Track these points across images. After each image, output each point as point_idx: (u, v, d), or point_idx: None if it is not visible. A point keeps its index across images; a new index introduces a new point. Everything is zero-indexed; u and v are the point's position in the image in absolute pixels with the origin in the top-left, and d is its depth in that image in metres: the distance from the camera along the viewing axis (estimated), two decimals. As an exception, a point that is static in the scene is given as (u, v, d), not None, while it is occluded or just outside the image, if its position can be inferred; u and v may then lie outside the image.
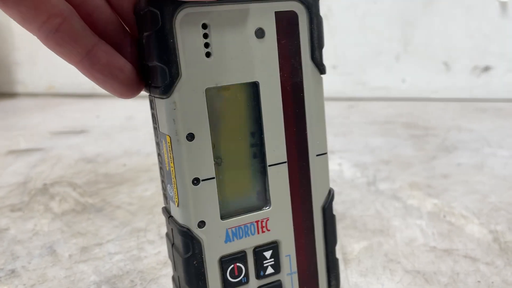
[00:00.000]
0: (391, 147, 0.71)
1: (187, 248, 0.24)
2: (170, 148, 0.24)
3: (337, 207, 0.49)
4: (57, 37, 0.24)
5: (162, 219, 0.47)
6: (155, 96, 0.24)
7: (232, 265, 0.26)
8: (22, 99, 1.45)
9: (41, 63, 1.39)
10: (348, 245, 0.41)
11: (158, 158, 0.27)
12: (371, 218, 0.46)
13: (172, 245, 0.26)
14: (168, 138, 0.24)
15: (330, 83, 1.11)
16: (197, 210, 0.24)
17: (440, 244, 0.40)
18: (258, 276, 0.27)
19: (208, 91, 0.24)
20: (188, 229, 0.24)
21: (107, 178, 0.62)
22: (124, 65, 0.25)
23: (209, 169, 0.24)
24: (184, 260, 0.25)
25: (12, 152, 0.78)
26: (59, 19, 0.23)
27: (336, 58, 1.10)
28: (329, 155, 0.68)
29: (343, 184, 0.56)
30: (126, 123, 0.98)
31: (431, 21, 1.02)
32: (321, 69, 0.27)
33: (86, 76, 0.25)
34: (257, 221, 0.26)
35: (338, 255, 0.37)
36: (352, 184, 0.56)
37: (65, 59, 0.25)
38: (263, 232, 0.26)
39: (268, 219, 0.27)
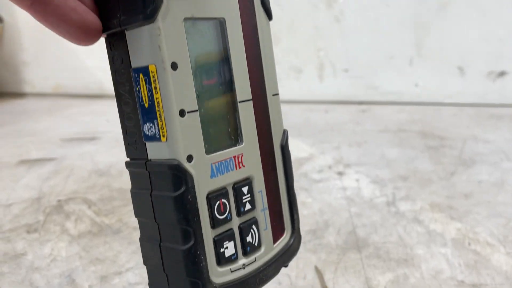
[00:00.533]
0: (408, 160, 0.69)
1: (179, 183, 0.24)
2: (156, 77, 0.23)
3: (359, 231, 0.48)
4: None
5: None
6: (132, 26, 0.23)
7: (218, 202, 0.26)
8: (30, 99, 1.44)
9: (48, 63, 1.38)
10: (373, 277, 0.40)
11: (121, 103, 0.26)
12: (394, 245, 0.45)
13: (150, 193, 0.25)
14: (152, 68, 0.23)
15: (342, 86, 1.10)
16: (185, 143, 0.24)
17: (467, 277, 0.39)
18: (238, 213, 0.27)
19: (185, 21, 0.24)
20: (179, 163, 0.23)
21: (121, 194, 0.61)
22: (79, 6, 0.24)
23: (192, 101, 0.24)
24: (177, 197, 0.24)
25: (24, 162, 0.78)
26: None
27: (348, 61, 1.09)
28: (345, 169, 0.67)
29: (362, 204, 0.55)
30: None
31: (445, 24, 1.00)
32: (269, 14, 0.29)
33: (39, 21, 0.24)
34: (234, 157, 0.27)
35: (364, 286, 0.36)
36: (371, 204, 0.55)
37: (15, 3, 0.23)
38: (239, 167, 0.27)
39: (242, 155, 0.27)
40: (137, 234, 0.49)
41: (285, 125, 0.66)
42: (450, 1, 0.99)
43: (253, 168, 0.27)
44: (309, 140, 0.82)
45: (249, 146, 0.27)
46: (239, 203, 0.26)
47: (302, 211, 0.53)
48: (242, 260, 0.27)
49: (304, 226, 0.50)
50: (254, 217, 0.27)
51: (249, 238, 0.27)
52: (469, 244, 0.45)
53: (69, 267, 0.43)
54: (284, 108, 0.94)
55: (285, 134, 0.30)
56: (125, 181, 0.66)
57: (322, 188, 0.60)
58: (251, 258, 0.27)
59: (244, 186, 0.27)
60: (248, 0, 0.27)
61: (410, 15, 1.02)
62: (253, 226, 0.27)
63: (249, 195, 0.27)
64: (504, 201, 0.54)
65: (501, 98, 1.00)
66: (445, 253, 0.43)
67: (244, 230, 0.27)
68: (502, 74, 0.99)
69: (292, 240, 0.30)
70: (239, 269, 0.26)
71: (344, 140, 0.82)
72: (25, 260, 0.45)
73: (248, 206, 0.27)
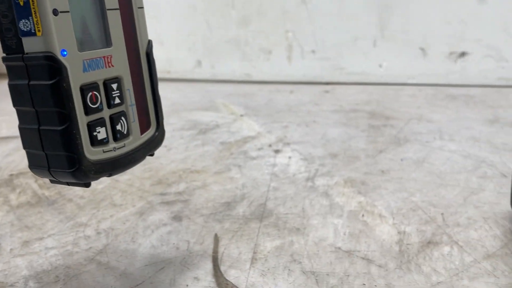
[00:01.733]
0: (345, 139, 0.73)
1: (53, 72, 0.28)
2: None
3: (269, 204, 0.52)
4: None
5: (104, 214, 0.51)
6: None
7: (91, 93, 0.31)
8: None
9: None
10: (262, 244, 0.44)
11: None
12: (294, 216, 0.49)
13: (28, 83, 0.29)
14: None
15: (309, 67, 1.13)
16: (59, 38, 0.28)
17: (345, 245, 0.43)
18: (109, 105, 0.32)
19: None
20: (53, 55, 0.28)
21: (69, 169, 0.66)
22: None
23: (64, 3, 0.28)
24: (53, 85, 0.28)
25: (-8, 139, 0.83)
26: None
27: (315, 43, 1.11)
28: (283, 147, 0.71)
29: (284, 179, 0.59)
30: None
31: (408, 6, 1.01)
32: None
33: None
34: (104, 57, 0.32)
35: (250, 251, 0.40)
36: (292, 179, 0.59)
37: None
38: (109, 67, 0.32)
39: (111, 56, 0.32)
40: (70, 205, 0.54)
41: (249, 106, 0.70)
42: (412, -18, 1.00)
43: (122, 69, 0.33)
44: (262, 121, 0.86)
45: (117, 49, 0.33)
46: (109, 97, 0.32)
47: (226, 185, 0.58)
48: (113, 144, 0.33)
49: (221, 199, 0.54)
50: (123, 111, 0.34)
51: (118, 127, 0.33)
52: (363, 215, 0.49)
53: (-1, 233, 0.48)
54: (252, 88, 1.01)
55: (150, 43, 0.36)
56: (77, 158, 0.71)
57: (254, 165, 0.64)
58: (121, 143, 0.34)
59: (113, 83, 0.33)
60: None
61: (373, -4, 1.03)
62: (122, 118, 0.34)
63: (118, 91, 0.33)
64: (416, 177, 0.57)
65: (462, 78, 1.02)
66: (336, 224, 0.47)
67: (114, 119, 0.33)
68: (463, 55, 1.01)
69: (156, 134, 0.37)
70: (110, 151, 0.33)
71: (295, 120, 0.85)
72: (-37, 226, 0.50)
73: (117, 101, 0.33)
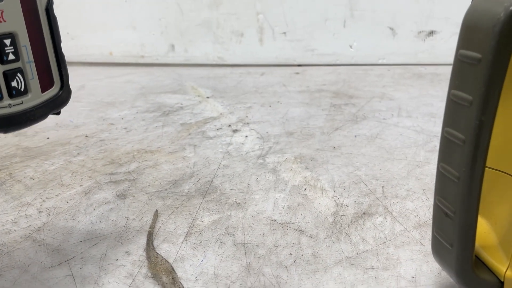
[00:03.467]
0: (305, 118, 0.73)
1: None
2: None
3: (216, 181, 0.52)
4: None
5: (50, 194, 0.51)
6: None
7: None
8: None
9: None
10: (199, 219, 0.44)
11: None
12: (238, 191, 0.49)
13: None
14: None
15: (281, 49, 1.12)
16: None
17: (281, 217, 0.43)
18: (2, 62, 0.32)
19: None
20: None
21: (25, 152, 0.66)
22: None
23: None
24: None
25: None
26: None
27: (286, 24, 1.10)
28: (242, 127, 0.71)
29: (236, 157, 0.59)
30: (74, 93, 1.01)
31: (376, -15, 1.01)
32: None
33: None
34: None
35: (187, 226, 0.41)
36: (243, 157, 0.59)
37: None
38: (0, 22, 0.32)
39: (3, 11, 0.32)
40: (18, 186, 0.54)
41: (217, 89, 0.69)
42: (379, -40, 0.99)
43: (16, 25, 0.32)
44: (227, 102, 0.85)
45: (10, 5, 0.32)
46: (1, 53, 0.31)
47: (177, 164, 0.58)
48: (8, 101, 0.32)
49: (169, 177, 0.54)
50: (19, 67, 0.33)
51: (14, 84, 0.33)
52: (305, 189, 0.49)
53: None
54: (225, 71, 1.01)
55: (50, 1, 0.35)
56: (34, 141, 0.70)
57: (210, 144, 0.64)
58: (18, 100, 0.33)
59: (6, 39, 0.32)
60: None
61: (342, -24, 1.02)
62: (19, 75, 0.33)
63: (12, 47, 0.32)
64: (365, 152, 0.57)
65: (431, 57, 1.01)
66: (277, 198, 0.47)
67: (9, 76, 0.32)
68: (431, 33, 1.00)
69: (61, 92, 0.37)
70: (5, 107, 0.32)
71: (260, 101, 0.85)
72: None
73: (11, 57, 0.32)
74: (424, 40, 1.01)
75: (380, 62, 1.06)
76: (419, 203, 0.45)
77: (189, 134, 0.69)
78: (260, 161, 0.57)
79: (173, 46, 1.22)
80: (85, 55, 1.25)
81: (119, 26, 1.23)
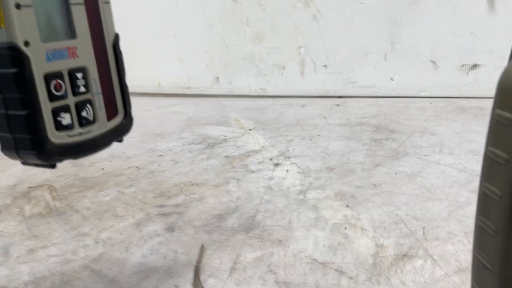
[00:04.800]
0: (345, 153, 0.74)
1: (15, 62, 0.31)
2: None
3: (258, 216, 0.55)
4: None
5: (105, 225, 0.55)
6: None
7: (55, 81, 0.33)
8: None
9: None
10: (243, 255, 0.47)
11: None
12: (279, 228, 0.51)
13: None
14: None
15: (321, 81, 1.14)
16: (22, 30, 0.31)
17: (322, 257, 0.45)
18: (74, 93, 0.35)
19: None
20: (16, 45, 0.31)
21: (82, 182, 0.71)
22: None
23: None
24: (15, 74, 0.31)
25: (19, 154, 0.90)
26: None
27: (327, 57, 1.13)
28: (283, 161, 0.73)
29: (277, 192, 0.61)
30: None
31: (417, 20, 1.02)
32: None
33: None
34: (68, 48, 0.34)
35: (231, 261, 0.43)
36: (285, 192, 0.61)
37: None
38: (74, 57, 0.35)
39: (76, 48, 0.35)
40: (76, 215, 0.59)
41: (259, 121, 0.73)
42: (421, -4, 1.01)
43: (87, 60, 0.36)
44: (269, 134, 0.88)
45: (83, 42, 0.35)
46: (74, 86, 0.35)
47: (222, 198, 0.61)
48: (78, 130, 0.35)
49: (214, 211, 0.57)
50: (89, 99, 0.36)
51: (84, 114, 0.36)
52: (345, 228, 0.50)
53: (9, 241, 0.53)
54: (267, 102, 1.05)
55: (116, 37, 0.38)
56: (90, 172, 0.76)
57: (252, 178, 0.67)
58: (87, 129, 0.36)
59: (78, 72, 0.35)
60: None
61: (383, 11, 1.04)
62: (88, 105, 0.36)
63: (84, 80, 0.35)
64: (405, 191, 0.58)
65: (474, 90, 1.00)
66: (318, 236, 0.49)
67: (80, 107, 0.35)
68: (474, 66, 1.00)
69: (124, 121, 0.40)
70: (76, 135, 0.35)
71: (300, 134, 0.87)
72: (-20, 235, 0.56)
73: (83, 89, 0.35)
74: (467, 74, 1.01)
75: (421, 94, 1.06)
76: (460, 246, 0.45)
77: (233, 167, 0.72)
78: (301, 197, 0.59)
79: (217, 78, 1.27)
80: (135, 86, 1.33)
81: (167, 59, 1.30)
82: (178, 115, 1.10)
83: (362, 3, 1.05)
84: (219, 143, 0.85)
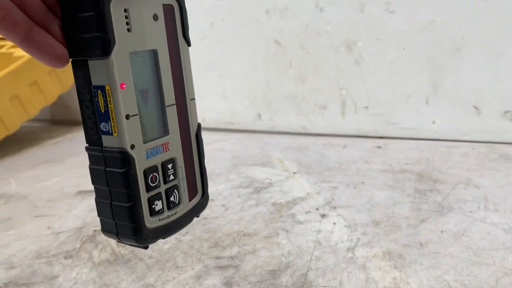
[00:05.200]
0: (390, 204, 0.77)
1: (124, 163, 0.36)
2: (110, 94, 0.35)
3: (310, 274, 0.58)
4: (3, 25, 0.33)
5: (168, 276, 0.60)
6: (93, 59, 0.35)
7: (151, 175, 0.39)
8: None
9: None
10: (299, 316, 0.50)
11: (83, 107, 0.37)
12: (331, 289, 0.55)
13: (104, 169, 0.37)
14: (108, 88, 0.35)
15: (362, 122, 1.17)
16: (130, 137, 0.36)
17: (374, 323, 0.48)
18: (165, 182, 0.40)
19: (130, 54, 0.36)
20: (125, 150, 0.36)
21: (141, 227, 0.77)
22: (53, 42, 0.34)
23: (134, 108, 0.37)
24: (123, 173, 0.36)
25: (80, 193, 0.97)
26: (3, 12, 0.33)
27: (368, 99, 1.16)
28: (330, 211, 0.76)
29: (326, 248, 0.65)
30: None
31: (460, 66, 1.04)
32: (188, 42, 0.41)
33: (25, 52, 0.35)
34: (162, 144, 0.39)
35: None
36: (333, 248, 0.64)
37: (10, 40, 0.35)
38: (166, 151, 0.40)
39: (168, 143, 0.40)
40: (141, 264, 0.64)
41: (302, 163, 0.79)
42: (464, 44, 1.03)
43: (176, 151, 0.41)
44: (313, 179, 0.92)
45: (173, 136, 0.40)
46: (165, 175, 0.40)
47: (273, 252, 0.64)
48: (167, 213, 0.40)
49: (268, 266, 0.61)
50: (176, 184, 0.41)
51: (172, 198, 0.41)
52: (395, 292, 0.53)
53: (84, 289, 0.59)
54: (308, 141, 1.12)
55: (199, 126, 0.43)
56: (148, 215, 0.81)
57: (301, 230, 0.71)
58: (173, 211, 0.41)
59: (169, 163, 0.40)
60: (173, 34, 0.40)
61: (425, 57, 1.07)
62: (175, 190, 0.41)
63: (173, 169, 0.41)
64: (452, 252, 0.60)
65: (518, 137, 1.01)
66: (369, 300, 0.52)
67: (169, 193, 0.40)
68: (518, 113, 1.01)
69: (202, 199, 0.45)
70: (165, 218, 0.40)
71: (344, 180, 0.90)
72: (57, 281, 0.61)
73: (172, 177, 0.41)
74: (511, 120, 1.02)
75: (464, 138, 1.08)
76: (509, 319, 0.47)
77: (281, 216, 0.76)
78: (350, 254, 0.62)
79: (259, 115, 1.33)
80: (181, 121, 1.39)
81: (212, 95, 1.37)
82: (224, 153, 1.15)
83: (404, 49, 1.08)
84: (265, 188, 0.90)
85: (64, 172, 1.11)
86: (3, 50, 1.41)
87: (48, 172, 1.12)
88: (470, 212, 0.72)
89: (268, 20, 1.22)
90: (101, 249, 0.70)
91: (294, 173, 0.97)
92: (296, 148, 1.15)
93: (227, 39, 1.29)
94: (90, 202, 0.90)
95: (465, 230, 0.66)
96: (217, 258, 0.64)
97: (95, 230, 0.77)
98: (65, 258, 0.68)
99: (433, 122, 1.10)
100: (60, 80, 1.42)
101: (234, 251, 0.66)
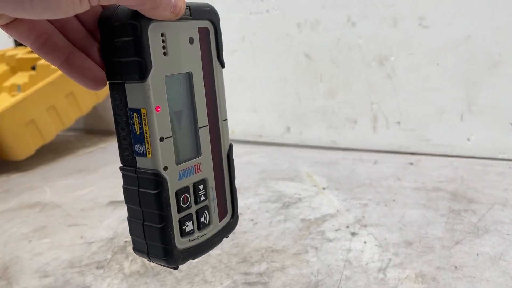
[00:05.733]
0: (423, 224, 0.75)
1: (157, 185, 0.36)
2: (145, 117, 0.35)
3: (340, 294, 0.57)
4: (45, 48, 0.34)
5: (201, 283, 0.60)
6: (129, 82, 0.35)
7: (183, 196, 0.39)
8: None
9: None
10: (329, 338, 0.49)
11: (119, 128, 0.37)
12: (362, 311, 0.53)
13: (137, 190, 0.37)
14: (143, 110, 0.35)
15: (394, 137, 1.16)
16: (163, 159, 0.36)
17: None
18: (196, 202, 0.40)
19: (166, 77, 0.36)
20: (158, 172, 0.36)
21: (170, 240, 0.77)
22: (92, 65, 0.35)
23: (168, 130, 0.37)
24: (156, 194, 0.36)
25: (112, 203, 0.99)
26: (45, 36, 0.34)
27: (400, 114, 1.14)
28: (360, 230, 0.75)
29: (357, 267, 0.63)
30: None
31: (497, 82, 1.01)
32: (222, 64, 0.41)
33: (65, 74, 0.36)
34: (194, 165, 0.40)
35: None
36: (364, 268, 0.63)
37: (50, 63, 0.36)
38: (198, 172, 0.40)
39: (200, 164, 0.40)
40: (170, 277, 0.65)
41: (332, 178, 0.79)
42: (501, 60, 1.00)
43: (208, 172, 0.41)
44: (343, 196, 0.91)
45: (205, 157, 0.41)
46: (196, 196, 0.40)
47: (302, 270, 0.64)
48: (197, 234, 0.40)
49: (297, 285, 0.60)
50: (206, 205, 0.41)
51: (202, 219, 0.41)
52: (428, 318, 0.51)
53: (115, 300, 0.60)
54: (337, 155, 1.11)
55: (230, 147, 0.43)
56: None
57: (331, 248, 0.70)
58: (203, 232, 0.41)
59: (200, 184, 0.40)
60: (208, 57, 0.40)
61: (460, 73, 1.04)
62: (205, 211, 0.41)
63: (204, 190, 0.41)
64: (488, 277, 0.58)
65: (559, 156, 0.97)
66: (401, 324, 0.50)
67: (199, 213, 0.40)
68: (559, 131, 0.96)
69: (232, 220, 0.45)
70: (195, 239, 0.40)
71: (375, 197, 0.89)
72: (89, 291, 0.63)
73: (202, 198, 0.41)
74: (551, 138, 0.98)
75: (500, 156, 1.04)
76: None
77: (310, 233, 0.75)
78: (381, 275, 0.61)
79: (289, 128, 1.32)
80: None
81: (242, 109, 1.37)
82: (252, 167, 1.15)
83: (438, 64, 1.06)
84: (294, 203, 0.89)
85: (96, 182, 1.14)
86: (41, 61, 1.47)
87: (81, 182, 1.15)
88: (508, 234, 0.69)
89: (299, 34, 1.22)
90: (131, 261, 0.71)
91: (324, 188, 0.96)
92: (326, 163, 1.14)
93: (258, 53, 1.30)
94: (121, 212, 0.92)
95: (502, 254, 0.63)
96: (245, 274, 0.64)
97: (126, 241, 0.78)
98: (97, 268, 0.69)
99: (468, 139, 1.07)
100: (95, 91, 1.47)
101: (263, 267, 0.65)
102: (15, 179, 1.22)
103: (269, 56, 1.29)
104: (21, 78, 1.41)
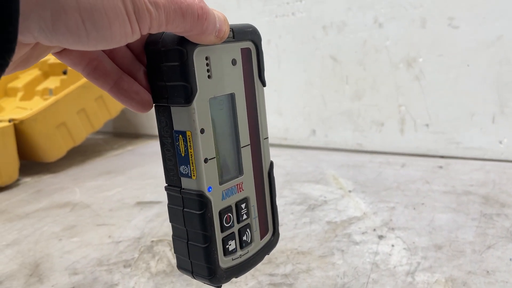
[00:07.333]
0: (453, 228, 0.73)
1: (202, 206, 0.36)
2: (191, 139, 0.36)
3: (367, 297, 0.56)
4: (96, 74, 0.35)
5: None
6: (175, 105, 0.35)
7: (226, 215, 0.39)
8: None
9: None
10: None
11: (164, 149, 0.38)
12: (389, 314, 0.52)
13: (182, 209, 0.37)
14: (188, 133, 0.36)
15: (422, 140, 1.13)
16: (207, 179, 0.37)
17: None
18: (238, 221, 0.40)
19: (210, 99, 0.37)
20: (203, 193, 0.36)
21: (196, 240, 0.78)
22: (139, 89, 0.36)
23: (212, 152, 0.37)
24: (200, 215, 0.36)
25: (139, 203, 1.00)
26: (96, 62, 0.34)
27: (429, 117, 1.12)
28: (387, 233, 0.74)
29: (384, 270, 0.62)
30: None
31: (531, 83, 0.98)
32: (263, 83, 0.41)
33: (114, 98, 0.37)
34: (237, 184, 0.40)
35: None
36: (392, 271, 0.62)
37: (100, 88, 0.36)
38: (240, 191, 0.40)
39: (242, 183, 0.40)
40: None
41: (358, 181, 0.77)
42: (535, 59, 0.97)
43: (249, 190, 0.41)
44: (369, 199, 0.89)
45: (247, 176, 0.41)
46: (239, 215, 0.40)
47: (328, 272, 0.63)
48: (239, 252, 0.40)
49: (323, 287, 0.59)
50: (248, 223, 0.41)
51: (244, 238, 0.41)
52: (459, 323, 0.50)
53: (142, 298, 0.60)
54: (364, 158, 1.11)
55: (271, 165, 0.43)
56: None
57: (357, 251, 0.69)
58: (245, 250, 0.41)
59: (242, 203, 0.40)
60: (250, 77, 0.40)
61: (491, 74, 1.02)
62: (248, 229, 0.41)
63: (246, 209, 0.41)
64: (524, 283, 0.56)
65: None
66: (431, 329, 0.49)
67: (241, 232, 0.40)
68: None
69: (273, 238, 0.44)
70: (238, 258, 0.40)
71: (403, 200, 0.87)
72: (116, 289, 0.64)
73: (245, 216, 0.41)
74: None
75: (535, 160, 1.01)
76: None
77: (336, 236, 0.74)
78: (409, 279, 0.59)
79: (314, 131, 1.32)
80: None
81: (267, 111, 1.37)
82: (277, 169, 1.15)
83: (468, 65, 1.04)
84: (319, 205, 0.88)
85: (124, 183, 1.16)
86: (73, 67, 1.51)
87: (109, 183, 1.17)
88: (544, 240, 0.66)
89: (325, 36, 1.22)
90: (158, 260, 0.71)
91: (350, 191, 0.95)
92: (352, 165, 1.13)
93: (284, 56, 1.30)
94: (148, 213, 0.93)
95: (538, 260, 0.61)
96: (270, 275, 0.64)
97: (152, 241, 0.79)
98: (124, 267, 0.70)
99: (500, 142, 1.04)
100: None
101: (288, 269, 0.65)
102: (47, 180, 1.26)
103: (295, 59, 1.28)
104: (53, 82, 1.45)
